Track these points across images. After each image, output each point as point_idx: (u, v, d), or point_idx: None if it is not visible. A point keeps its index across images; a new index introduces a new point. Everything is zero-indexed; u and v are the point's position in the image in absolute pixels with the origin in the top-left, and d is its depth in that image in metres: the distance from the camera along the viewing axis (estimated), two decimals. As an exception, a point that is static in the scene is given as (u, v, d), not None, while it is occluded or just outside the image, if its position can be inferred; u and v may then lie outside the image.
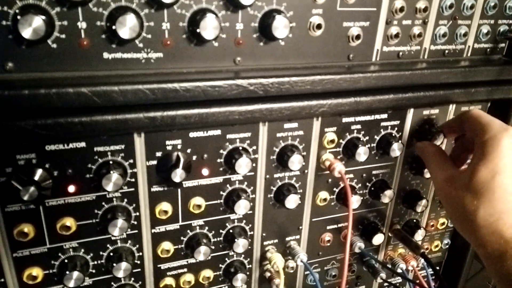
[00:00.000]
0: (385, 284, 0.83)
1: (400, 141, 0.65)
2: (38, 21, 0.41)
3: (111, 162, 0.52)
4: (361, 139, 0.65)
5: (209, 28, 0.48)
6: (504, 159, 0.52)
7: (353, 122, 0.64)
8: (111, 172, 0.50)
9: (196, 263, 0.64)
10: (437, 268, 0.85)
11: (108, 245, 0.57)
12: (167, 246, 0.60)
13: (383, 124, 0.66)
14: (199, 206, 0.59)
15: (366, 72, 0.57)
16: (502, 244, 0.49)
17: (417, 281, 0.80)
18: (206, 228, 0.62)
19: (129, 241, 0.58)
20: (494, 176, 0.51)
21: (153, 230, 0.59)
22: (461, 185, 0.54)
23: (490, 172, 0.51)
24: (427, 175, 0.71)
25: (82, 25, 0.44)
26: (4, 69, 0.44)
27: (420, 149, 0.66)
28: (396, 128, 0.67)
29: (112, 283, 0.59)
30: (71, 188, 0.52)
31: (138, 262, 0.60)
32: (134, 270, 0.60)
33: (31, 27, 0.41)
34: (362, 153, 0.63)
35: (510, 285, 0.48)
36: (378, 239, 0.73)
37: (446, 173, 0.58)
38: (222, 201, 0.61)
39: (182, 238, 0.61)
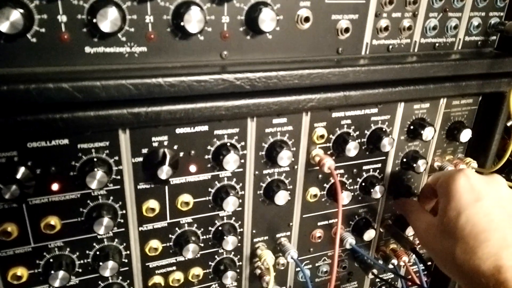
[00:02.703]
0: (377, 280, 0.83)
1: (390, 136, 0.65)
2: (16, 14, 0.40)
3: (95, 160, 0.51)
4: (351, 134, 0.64)
5: (193, 21, 0.46)
6: (464, 196, 0.55)
7: (343, 117, 0.63)
8: (96, 169, 0.49)
9: (185, 261, 0.63)
10: (429, 263, 0.85)
11: (94, 244, 0.56)
12: (155, 244, 0.59)
13: (373, 118, 0.65)
14: (187, 203, 0.58)
15: (355, 65, 0.56)
16: (483, 282, 0.49)
17: (409, 277, 0.79)
18: (195, 225, 0.61)
19: (116, 240, 0.57)
20: (460, 213, 0.54)
21: (140, 228, 0.58)
22: (436, 230, 0.57)
23: (455, 210, 0.55)
24: (419, 170, 0.70)
25: (62, 18, 0.43)
26: (-18, 65, 0.42)
27: (399, 206, 0.71)
28: (386, 123, 0.67)
29: (100, 282, 0.59)
30: (55, 186, 0.50)
31: (126, 260, 0.59)
32: (122, 269, 0.59)
33: (9, 21, 0.40)
34: (352, 148, 0.63)
35: None
36: (369, 234, 0.73)
37: (423, 222, 0.61)
38: (210, 198, 0.60)
39: (170, 236, 0.60)
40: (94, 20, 0.43)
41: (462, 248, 0.52)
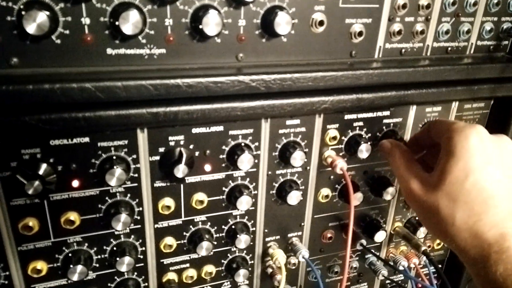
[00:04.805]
0: (387, 281, 0.83)
1: (402, 138, 0.65)
2: (42, 16, 0.41)
3: (114, 157, 0.52)
4: (363, 136, 0.65)
5: (211, 24, 0.48)
6: (475, 157, 0.49)
7: (355, 119, 0.64)
8: (115, 167, 0.51)
9: (199, 259, 0.64)
10: (439, 266, 0.85)
11: (111, 240, 0.57)
12: (169, 241, 0.61)
13: (385, 121, 0.66)
14: (201, 202, 0.59)
15: (368, 69, 0.57)
16: (485, 248, 0.47)
17: (419, 279, 0.80)
18: (209, 223, 0.62)
19: (132, 236, 0.58)
20: (467, 175, 0.49)
21: (156, 225, 0.59)
22: (432, 188, 0.51)
23: (462, 171, 0.49)
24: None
25: (86, 21, 0.45)
26: (9, 64, 0.44)
27: (386, 150, 0.61)
28: (398, 125, 0.67)
29: (116, 277, 0.60)
30: (75, 183, 0.52)
31: (141, 256, 0.60)
32: (137, 265, 0.60)
33: (36, 23, 0.41)
34: (364, 150, 0.63)
35: None
36: (380, 236, 0.73)
37: (416, 177, 0.54)
38: (224, 197, 0.61)
39: (184, 233, 0.61)
40: (116, 23, 0.44)
41: (466, 212, 0.48)
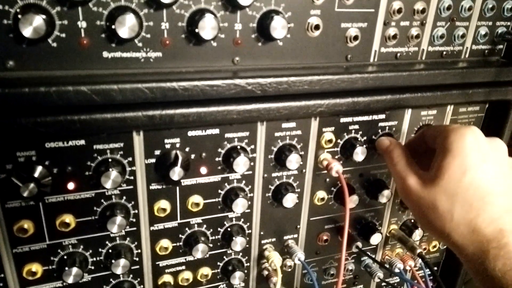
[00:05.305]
0: (383, 283, 0.84)
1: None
2: (38, 20, 0.42)
3: (110, 160, 0.52)
4: (359, 139, 0.65)
5: (207, 28, 0.48)
6: (471, 155, 0.51)
7: (351, 122, 0.64)
8: (110, 169, 0.51)
9: (194, 261, 0.64)
10: (435, 268, 0.86)
11: (107, 242, 0.57)
12: (165, 243, 0.61)
13: (380, 124, 0.66)
14: (197, 204, 0.59)
15: (363, 72, 0.58)
16: (484, 243, 0.48)
17: (415, 281, 0.80)
18: (204, 226, 0.62)
19: (128, 238, 0.58)
20: (464, 173, 0.50)
21: (151, 228, 0.59)
22: (430, 185, 0.52)
23: (459, 168, 0.51)
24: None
25: (82, 24, 0.45)
26: (5, 67, 0.44)
27: (384, 146, 0.62)
28: (394, 129, 0.68)
29: (111, 280, 0.60)
30: (71, 185, 0.52)
31: (137, 259, 0.60)
32: (133, 267, 0.60)
33: (32, 26, 0.41)
34: (359, 153, 0.64)
35: None
36: (375, 238, 0.73)
37: (413, 174, 0.55)
38: (220, 199, 0.61)
39: (180, 236, 0.61)
40: (113, 26, 0.45)
41: (463, 208, 0.50)
